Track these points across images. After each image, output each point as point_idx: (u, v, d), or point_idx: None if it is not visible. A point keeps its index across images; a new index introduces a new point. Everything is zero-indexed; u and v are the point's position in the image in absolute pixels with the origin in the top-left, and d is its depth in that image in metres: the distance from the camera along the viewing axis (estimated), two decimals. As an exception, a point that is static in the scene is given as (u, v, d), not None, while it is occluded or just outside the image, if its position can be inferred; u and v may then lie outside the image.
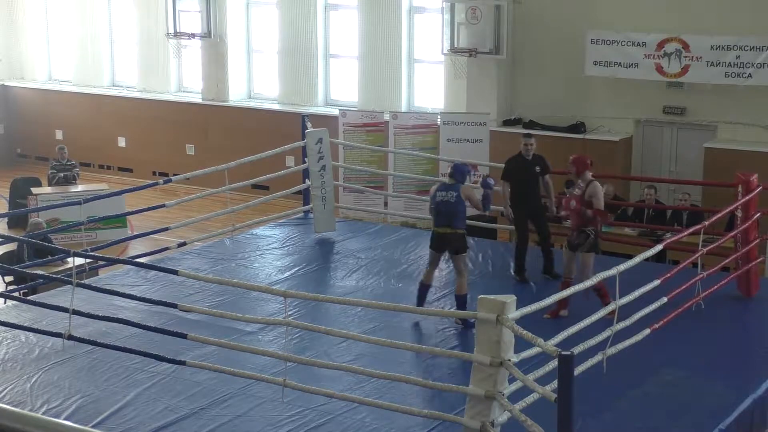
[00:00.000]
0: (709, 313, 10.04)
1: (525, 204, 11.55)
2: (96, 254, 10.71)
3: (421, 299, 10.46)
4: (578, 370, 7.12)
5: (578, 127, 16.19)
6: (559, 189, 12.87)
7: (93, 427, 8.02)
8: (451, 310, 10.35)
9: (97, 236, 15.20)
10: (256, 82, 20.07)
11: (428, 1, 17.86)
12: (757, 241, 11.10)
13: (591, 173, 10.46)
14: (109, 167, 21.12)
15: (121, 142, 20.97)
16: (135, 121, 20.69)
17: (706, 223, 10.14)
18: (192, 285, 11.01)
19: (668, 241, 10.07)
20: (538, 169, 11.49)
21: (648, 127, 16.16)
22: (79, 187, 17.38)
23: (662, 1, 15.65)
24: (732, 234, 10.95)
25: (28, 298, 10.73)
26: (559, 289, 8.97)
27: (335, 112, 17.34)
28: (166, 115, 20.36)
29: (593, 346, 7.93)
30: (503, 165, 11.83)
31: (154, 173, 20.06)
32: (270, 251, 12.78)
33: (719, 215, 10.83)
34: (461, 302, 10.23)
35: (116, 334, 9.54)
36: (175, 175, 15.11)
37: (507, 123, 16.68)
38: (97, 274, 12.17)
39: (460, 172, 10.36)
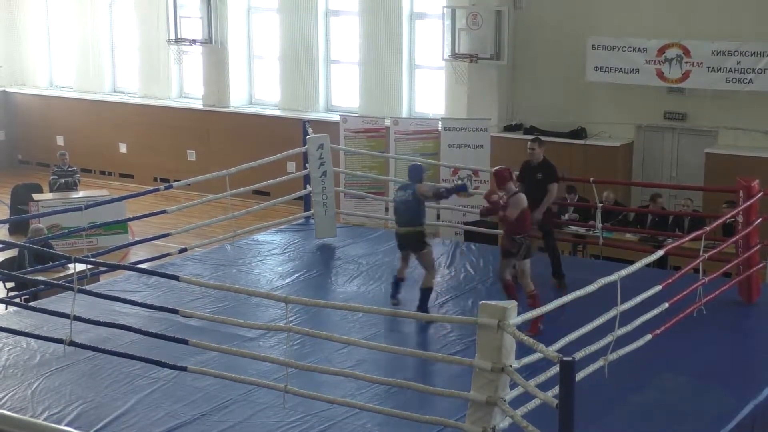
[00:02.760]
0: (711, 318, 10.02)
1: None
2: (97, 260, 10.68)
3: (394, 292, 10.88)
4: (579, 376, 7.12)
5: (579, 133, 16.21)
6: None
7: (94, 433, 8.04)
8: (453, 315, 10.37)
9: (98, 242, 15.22)
10: (257, 88, 20.10)
11: (429, 6, 17.88)
12: (758, 246, 11.10)
13: (514, 184, 10.29)
14: (110, 173, 21.15)
15: (122, 148, 20.99)
16: (136, 127, 20.72)
17: (708, 228, 10.13)
18: (193, 291, 11.01)
19: (669, 246, 10.06)
20: (539, 176, 11.38)
21: (649, 132, 16.17)
22: (80, 193, 17.42)
23: (663, 7, 15.67)
24: (733, 239, 10.94)
25: (29, 304, 10.71)
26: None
27: (336, 117, 17.34)
28: (167, 121, 20.38)
29: (594, 352, 7.92)
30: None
31: (155, 179, 20.08)
32: (271, 257, 12.78)
33: (720, 221, 10.81)
34: (423, 295, 10.58)
35: (117, 340, 9.54)
36: (176, 181, 15.10)
37: (508, 129, 16.69)
38: (98, 280, 12.19)
39: (413, 170, 10.79)
